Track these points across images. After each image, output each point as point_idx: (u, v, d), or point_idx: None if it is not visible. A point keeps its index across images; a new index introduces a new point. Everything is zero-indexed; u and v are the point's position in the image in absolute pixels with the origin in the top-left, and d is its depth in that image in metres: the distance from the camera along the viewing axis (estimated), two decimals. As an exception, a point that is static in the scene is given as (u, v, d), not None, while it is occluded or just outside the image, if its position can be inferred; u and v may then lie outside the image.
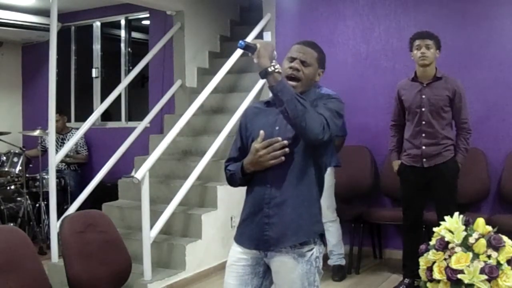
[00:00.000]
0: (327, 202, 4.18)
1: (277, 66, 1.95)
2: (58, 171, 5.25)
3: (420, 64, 3.63)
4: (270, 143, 1.97)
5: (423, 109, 3.65)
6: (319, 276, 2.07)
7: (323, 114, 1.93)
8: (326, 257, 4.33)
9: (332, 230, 4.22)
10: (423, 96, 3.66)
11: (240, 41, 2.00)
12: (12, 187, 5.47)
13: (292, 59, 2.08)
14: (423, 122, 3.66)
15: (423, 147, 3.66)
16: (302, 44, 2.14)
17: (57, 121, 6.02)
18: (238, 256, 2.10)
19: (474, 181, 4.25)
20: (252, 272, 2.08)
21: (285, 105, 1.89)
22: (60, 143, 5.99)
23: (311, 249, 2.03)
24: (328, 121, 1.93)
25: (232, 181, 2.17)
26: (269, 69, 1.92)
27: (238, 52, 4.96)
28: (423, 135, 3.66)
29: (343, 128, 4.24)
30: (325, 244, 2.14)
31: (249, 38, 5.06)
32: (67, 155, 5.59)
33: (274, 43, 5.20)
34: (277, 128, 2.04)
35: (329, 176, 4.18)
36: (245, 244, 2.08)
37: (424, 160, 3.67)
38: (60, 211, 4.53)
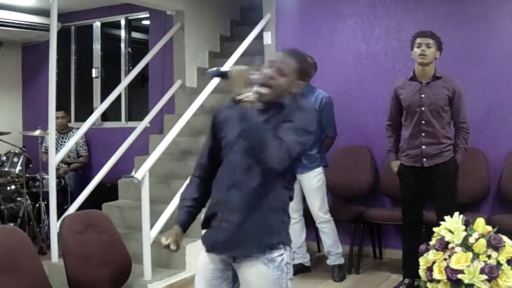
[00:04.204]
0: (319, 203, 4.17)
1: (249, 95, 1.91)
2: (58, 170, 5.26)
3: (419, 62, 3.62)
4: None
5: (422, 108, 3.64)
6: (290, 283, 2.03)
7: (285, 139, 1.88)
8: (324, 258, 4.34)
9: (327, 231, 4.21)
10: (423, 95, 3.65)
11: (211, 70, 2.02)
12: (12, 187, 5.47)
13: (271, 64, 2.06)
14: (423, 122, 3.65)
15: (423, 147, 3.66)
16: (285, 53, 2.11)
17: (63, 117, 6.08)
18: (206, 260, 2.08)
19: (474, 181, 4.25)
20: (221, 276, 2.06)
21: (246, 133, 1.90)
22: (60, 141, 6.00)
23: (281, 254, 2.00)
24: (290, 148, 1.88)
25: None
26: (237, 98, 1.91)
27: (238, 52, 4.96)
28: (423, 134, 3.66)
29: (333, 129, 4.26)
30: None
31: (250, 38, 5.07)
32: (68, 155, 5.61)
33: (274, 44, 5.20)
34: None
35: (318, 177, 4.17)
36: (206, 246, 2.08)
37: (424, 159, 3.66)
38: (60, 211, 4.52)
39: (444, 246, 2.64)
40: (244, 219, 1.97)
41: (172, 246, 2.04)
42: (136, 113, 6.46)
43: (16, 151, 5.49)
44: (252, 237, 1.97)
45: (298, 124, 1.96)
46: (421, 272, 2.74)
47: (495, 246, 2.56)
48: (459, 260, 2.54)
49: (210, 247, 2.06)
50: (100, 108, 5.22)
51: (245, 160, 1.98)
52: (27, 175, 5.42)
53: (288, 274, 2.01)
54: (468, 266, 2.52)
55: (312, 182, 4.13)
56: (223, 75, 1.99)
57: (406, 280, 3.78)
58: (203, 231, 2.13)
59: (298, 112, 2.01)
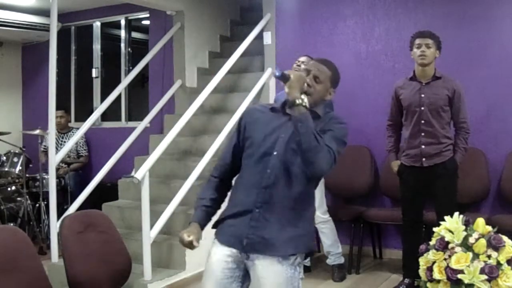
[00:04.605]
0: (317, 203, 4.13)
1: (305, 100, 1.97)
2: (58, 171, 5.25)
3: (419, 63, 3.63)
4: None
5: (422, 108, 3.65)
6: (301, 282, 2.05)
7: (331, 147, 1.96)
8: (324, 258, 4.34)
9: (326, 232, 4.21)
10: (423, 95, 3.65)
11: (276, 71, 2.02)
12: (12, 187, 5.47)
13: (307, 72, 2.10)
14: (422, 121, 3.66)
15: (423, 146, 3.66)
16: (318, 61, 2.16)
17: (61, 117, 6.09)
18: (217, 258, 2.06)
19: (474, 181, 4.25)
20: (232, 275, 2.04)
21: (301, 137, 1.93)
22: (60, 141, 6.00)
23: (294, 254, 2.01)
24: (335, 156, 1.97)
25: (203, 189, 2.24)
26: (297, 101, 1.96)
27: (238, 52, 4.96)
28: (423, 134, 3.66)
29: None
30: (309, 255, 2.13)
31: (250, 38, 5.08)
32: (68, 155, 5.61)
33: (274, 44, 5.20)
34: (283, 135, 2.04)
35: None
36: (225, 242, 2.05)
37: (424, 159, 3.66)
38: (60, 211, 4.52)
39: (444, 246, 2.64)
40: (287, 221, 2.00)
41: (196, 243, 2.02)
42: (136, 113, 6.46)
43: (16, 151, 5.49)
44: (289, 240, 1.99)
45: (338, 134, 2.04)
46: (421, 272, 2.74)
47: (495, 246, 2.55)
48: (459, 260, 2.54)
49: (236, 244, 2.03)
50: (100, 108, 5.21)
51: (286, 162, 2.02)
52: (27, 175, 5.42)
53: (300, 274, 2.03)
54: (468, 266, 2.52)
55: None
56: (283, 78, 2.02)
57: (406, 280, 3.78)
58: (221, 226, 2.12)
59: (335, 123, 2.09)
